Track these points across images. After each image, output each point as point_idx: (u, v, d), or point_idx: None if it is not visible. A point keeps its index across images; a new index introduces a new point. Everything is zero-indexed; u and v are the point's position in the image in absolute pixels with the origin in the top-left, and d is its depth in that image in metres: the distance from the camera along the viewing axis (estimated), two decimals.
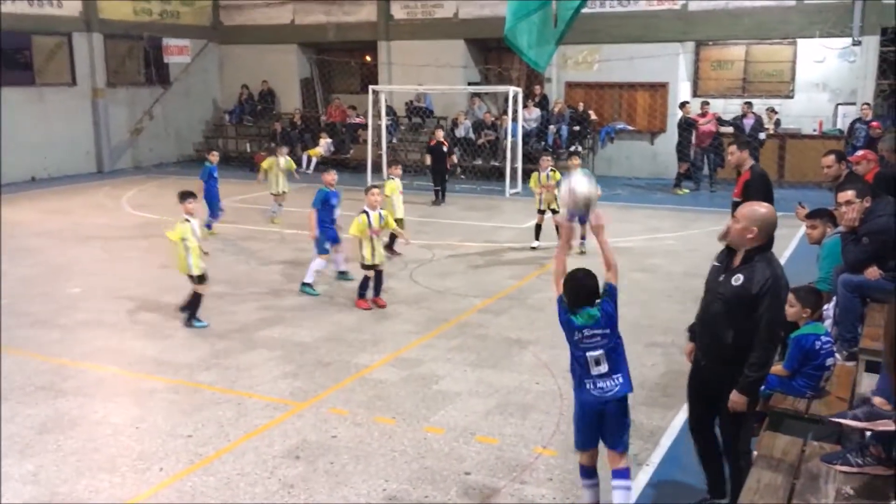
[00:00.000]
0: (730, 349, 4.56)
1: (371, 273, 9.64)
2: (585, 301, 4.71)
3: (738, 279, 4.50)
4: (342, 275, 10.93)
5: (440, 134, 17.77)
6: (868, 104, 17.42)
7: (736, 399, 4.57)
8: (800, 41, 18.96)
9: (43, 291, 10.41)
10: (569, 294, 4.74)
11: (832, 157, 7.92)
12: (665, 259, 12.09)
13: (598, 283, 4.76)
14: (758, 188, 8.13)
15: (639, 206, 16.66)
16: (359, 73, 24.53)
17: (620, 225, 14.73)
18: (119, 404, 6.92)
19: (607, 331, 4.70)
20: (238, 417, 6.62)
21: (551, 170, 12.35)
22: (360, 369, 7.70)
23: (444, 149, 17.37)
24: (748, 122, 18.17)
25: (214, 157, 14.68)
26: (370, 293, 9.71)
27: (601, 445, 4.91)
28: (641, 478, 5.66)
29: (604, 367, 4.72)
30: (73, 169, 21.57)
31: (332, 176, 10.87)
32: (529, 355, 7.95)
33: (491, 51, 22.69)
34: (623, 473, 4.82)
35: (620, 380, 4.75)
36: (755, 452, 4.42)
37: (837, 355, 5.99)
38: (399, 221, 11.69)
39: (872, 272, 6.61)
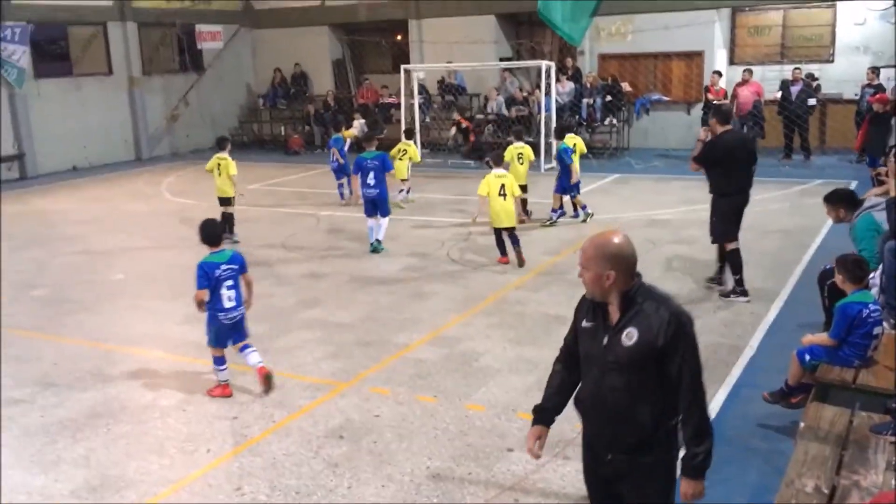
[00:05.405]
0: (648, 426, 3.42)
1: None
2: (220, 240, 6.72)
3: (630, 336, 3.37)
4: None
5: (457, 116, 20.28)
6: (874, 69, 16.98)
7: (691, 490, 3.45)
8: (839, 3, 18.50)
9: (86, 278, 10.60)
10: (208, 235, 6.67)
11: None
12: (702, 230, 11.79)
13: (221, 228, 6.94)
14: (708, 154, 8.50)
15: (675, 178, 16.45)
16: (390, 53, 24.43)
17: (656, 197, 14.58)
18: (165, 388, 7.04)
19: (235, 266, 6.63)
20: (281, 399, 6.70)
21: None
22: (400, 348, 7.73)
23: (463, 126, 19.02)
24: (795, 89, 17.72)
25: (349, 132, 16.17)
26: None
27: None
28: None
29: (232, 303, 6.63)
30: (112, 157, 21.85)
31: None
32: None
33: (522, 25, 22.44)
34: (248, 345, 6.83)
35: (242, 310, 6.73)
36: (802, 424, 4.37)
37: (885, 323, 5.88)
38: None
39: None
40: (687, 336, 3.35)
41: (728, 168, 8.46)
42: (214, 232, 6.72)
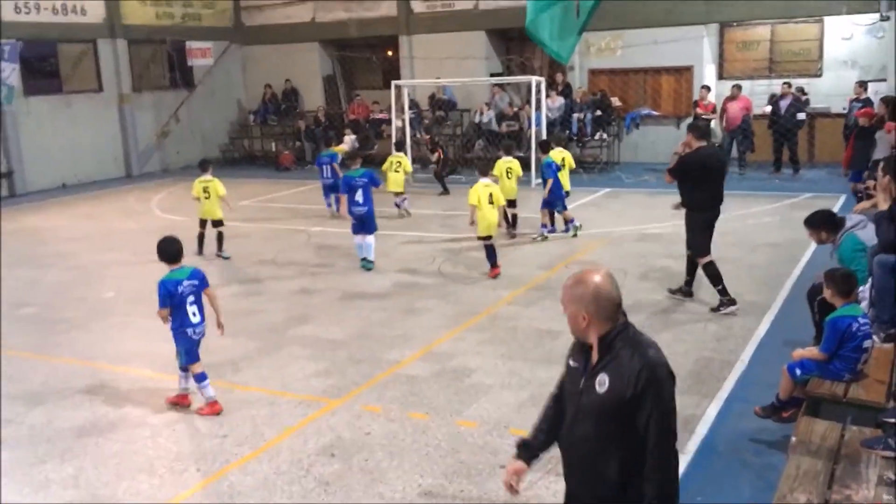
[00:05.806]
0: (615, 483, 3.17)
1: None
2: (179, 257, 6.69)
3: (602, 383, 3.14)
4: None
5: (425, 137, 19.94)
6: (862, 83, 17.08)
7: None
8: (826, 18, 18.63)
9: (77, 296, 10.55)
10: (168, 254, 6.66)
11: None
12: None
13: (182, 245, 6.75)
14: (683, 167, 8.79)
15: (665, 192, 16.42)
16: (381, 69, 24.51)
17: (647, 211, 14.62)
18: (155, 406, 6.99)
19: (196, 281, 6.67)
20: (272, 416, 6.67)
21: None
22: (391, 365, 7.71)
23: (428, 147, 18.87)
24: (784, 103, 17.80)
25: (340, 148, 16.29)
26: None
27: None
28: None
29: (197, 317, 6.65)
30: (102, 174, 21.78)
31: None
32: (561, 346, 7.89)
33: (512, 41, 22.56)
34: (203, 375, 6.76)
35: (205, 325, 6.74)
36: (793, 439, 4.37)
37: (875, 337, 5.90)
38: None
39: None
40: (658, 389, 3.07)
41: (702, 183, 8.71)
42: (172, 249, 6.72)
